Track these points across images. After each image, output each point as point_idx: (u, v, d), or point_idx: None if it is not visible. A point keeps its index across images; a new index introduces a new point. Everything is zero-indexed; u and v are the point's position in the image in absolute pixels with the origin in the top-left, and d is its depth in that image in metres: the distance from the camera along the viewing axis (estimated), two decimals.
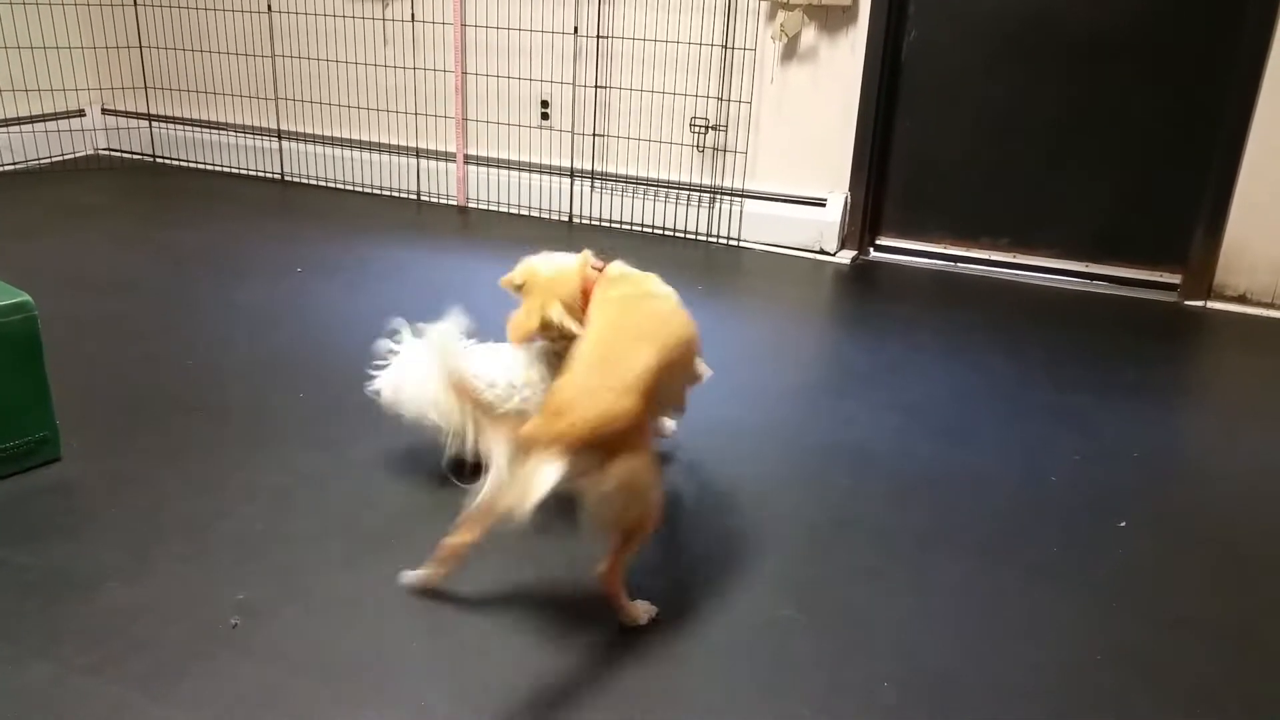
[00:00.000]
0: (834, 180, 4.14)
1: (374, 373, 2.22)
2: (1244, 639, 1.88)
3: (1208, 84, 3.66)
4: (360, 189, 4.89)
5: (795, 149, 4.15)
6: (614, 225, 4.46)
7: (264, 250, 3.93)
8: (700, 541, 2.11)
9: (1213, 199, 3.68)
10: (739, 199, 4.26)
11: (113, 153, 5.34)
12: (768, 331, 3.41)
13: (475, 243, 4.24)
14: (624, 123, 4.36)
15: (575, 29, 4.29)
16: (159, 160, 5.27)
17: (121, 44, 5.15)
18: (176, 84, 5.18)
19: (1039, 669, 1.77)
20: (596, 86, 4.35)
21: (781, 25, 3.96)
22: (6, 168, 4.89)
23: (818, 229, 4.17)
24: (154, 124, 5.26)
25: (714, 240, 4.32)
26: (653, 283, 2.09)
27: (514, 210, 4.64)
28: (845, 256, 4.16)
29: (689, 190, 4.33)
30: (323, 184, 4.95)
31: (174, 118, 5.24)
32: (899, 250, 4.23)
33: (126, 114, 5.29)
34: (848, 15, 3.92)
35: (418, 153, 4.76)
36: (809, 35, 3.99)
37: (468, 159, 4.69)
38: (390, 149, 4.82)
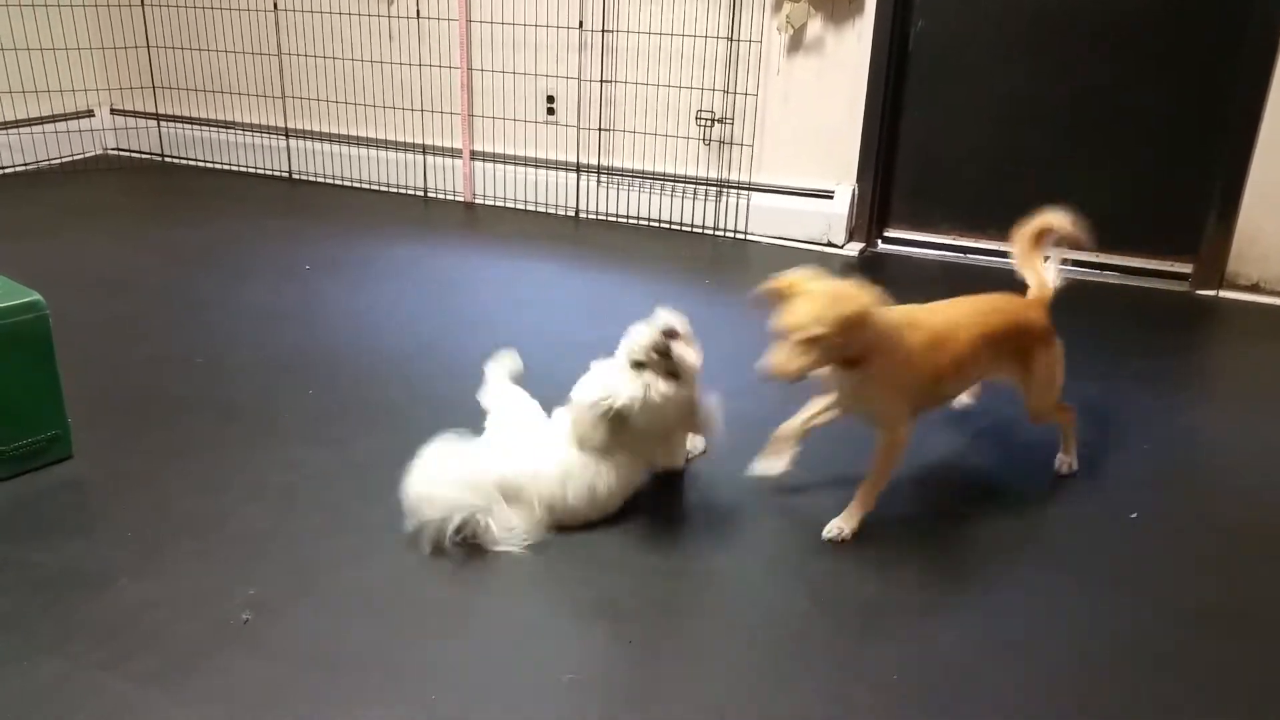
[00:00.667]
0: (841, 172, 4.12)
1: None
2: (1257, 629, 1.87)
3: (1218, 71, 3.63)
4: (367, 186, 4.90)
5: (802, 141, 4.14)
6: (620, 220, 4.46)
7: (272, 248, 3.94)
8: (713, 533, 2.11)
9: (1224, 187, 3.65)
10: (745, 192, 4.25)
11: (121, 152, 5.35)
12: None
13: (482, 239, 4.24)
14: (630, 117, 4.35)
15: (580, 23, 4.29)
16: (167, 160, 5.29)
17: (129, 44, 5.16)
18: (184, 83, 5.19)
19: (1051, 660, 1.76)
20: (602, 81, 4.34)
21: (787, 17, 3.95)
22: (17, 168, 4.92)
23: (825, 221, 4.16)
24: (162, 123, 5.28)
25: (721, 234, 4.32)
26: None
27: (520, 206, 4.64)
28: (853, 249, 4.15)
29: (695, 184, 4.32)
30: (330, 181, 4.96)
31: (182, 117, 5.26)
32: (907, 242, 4.22)
33: (135, 114, 5.30)
34: (854, 6, 3.90)
35: (424, 149, 4.76)
36: (815, 27, 3.98)
37: (474, 155, 4.69)
38: (397, 146, 4.82)
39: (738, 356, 3.07)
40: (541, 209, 4.60)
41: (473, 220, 4.50)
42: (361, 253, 3.89)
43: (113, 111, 5.32)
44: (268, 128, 5.06)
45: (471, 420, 2.54)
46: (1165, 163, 3.80)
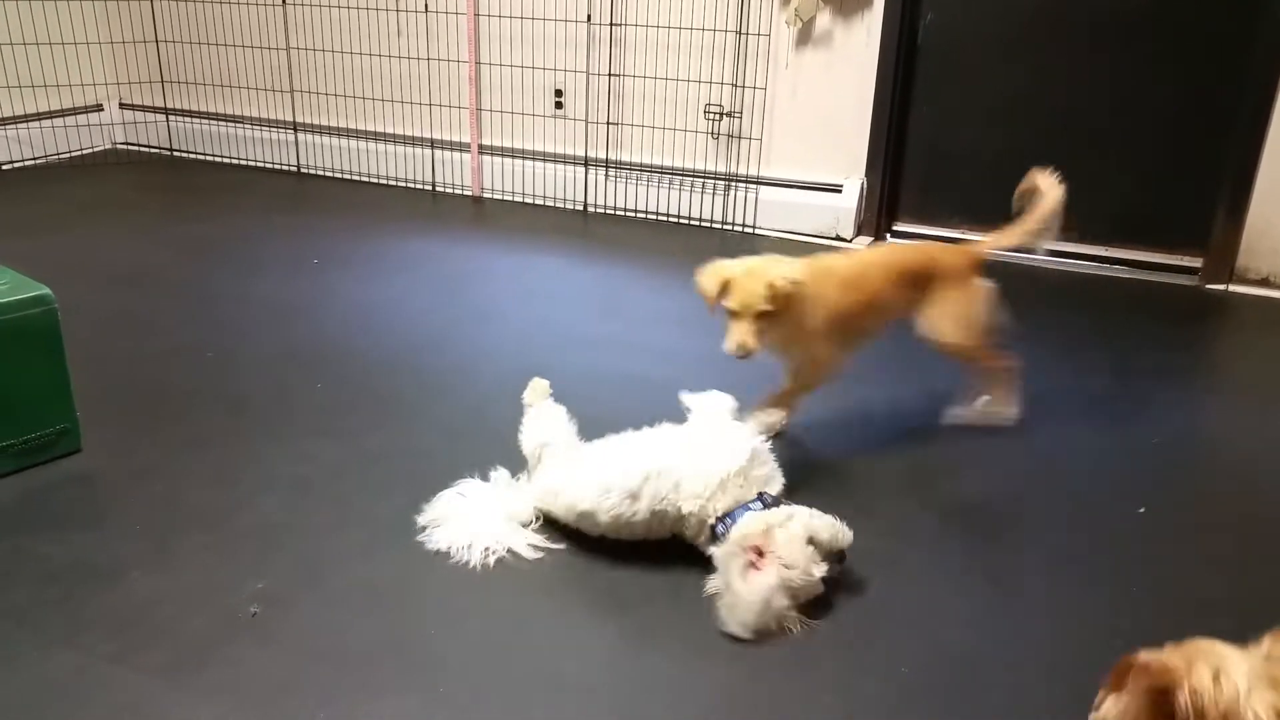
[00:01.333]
0: (850, 166, 4.11)
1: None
2: (1267, 624, 1.86)
3: (1228, 64, 3.61)
4: (375, 180, 4.90)
5: (810, 135, 4.13)
6: (629, 214, 4.46)
7: (280, 242, 3.94)
8: None
9: (1234, 181, 3.63)
10: (754, 186, 4.24)
11: (130, 147, 5.37)
12: None
13: (490, 233, 4.24)
14: (638, 110, 4.34)
15: (588, 17, 4.28)
16: (176, 154, 5.30)
17: (138, 39, 5.17)
18: (193, 78, 5.20)
19: (1058, 653, 1.76)
20: (610, 75, 4.33)
21: (796, 10, 3.93)
22: (26, 163, 4.93)
23: (834, 215, 4.15)
24: (171, 118, 5.29)
25: (729, 228, 4.31)
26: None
27: (529, 200, 4.64)
28: (862, 242, 4.14)
29: (704, 178, 4.32)
30: (338, 176, 4.97)
31: (191, 111, 5.27)
32: (916, 235, 4.20)
33: (143, 108, 5.31)
34: (862, 0, 3.90)
35: (432, 143, 4.77)
36: (824, 20, 3.97)
37: (482, 149, 4.68)
38: (405, 140, 4.82)
39: None
40: (550, 203, 4.60)
41: (481, 214, 4.50)
42: (370, 247, 3.89)
43: (121, 106, 5.33)
44: (276, 122, 5.06)
45: (475, 414, 2.55)
46: (1175, 156, 3.79)
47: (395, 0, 4.61)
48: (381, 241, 3.97)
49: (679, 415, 2.17)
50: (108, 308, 3.18)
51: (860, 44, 3.95)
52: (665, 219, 4.40)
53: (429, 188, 4.81)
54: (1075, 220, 3.93)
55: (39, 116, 4.97)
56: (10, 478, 2.19)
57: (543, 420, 2.17)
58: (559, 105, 4.49)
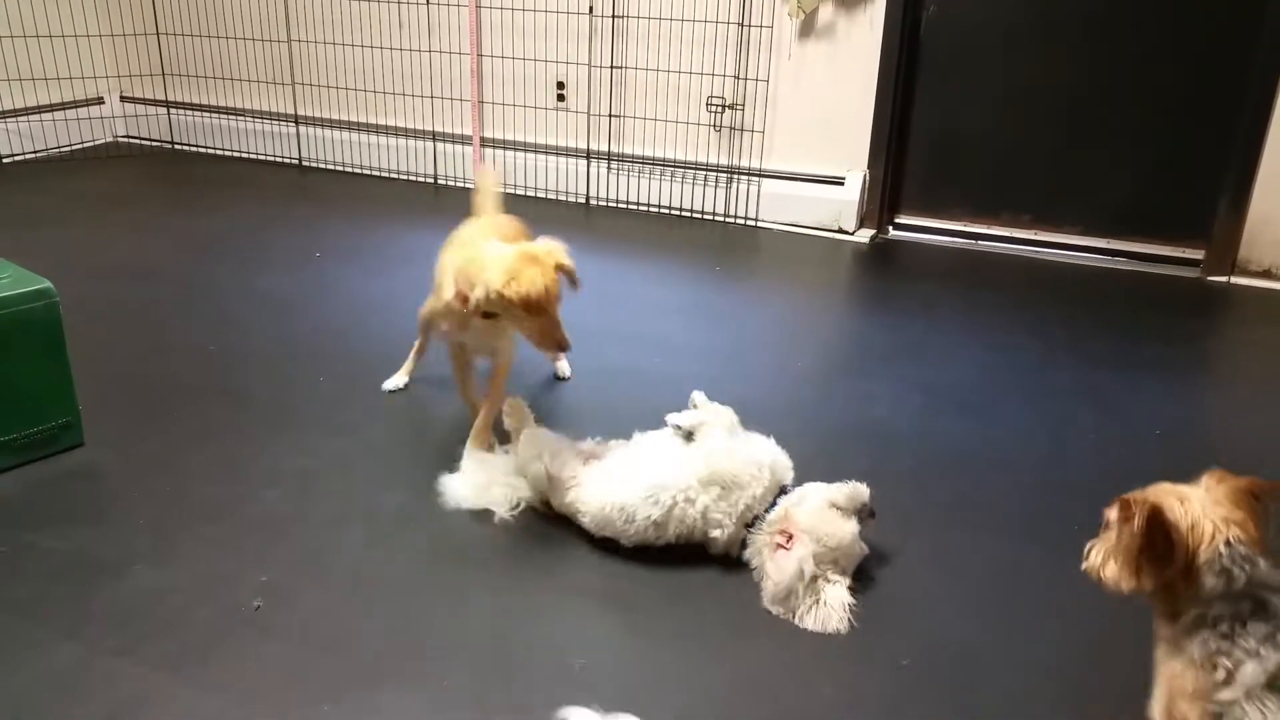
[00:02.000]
0: (852, 158, 4.11)
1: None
2: None
3: (1230, 56, 3.60)
4: (378, 173, 4.89)
5: (813, 127, 4.12)
6: (630, 207, 4.45)
7: (283, 236, 3.94)
8: None
9: (1237, 173, 3.63)
10: (756, 178, 4.24)
11: (131, 140, 5.36)
12: (786, 312, 3.40)
13: None
14: (640, 103, 4.34)
15: (590, 9, 4.27)
16: (177, 147, 5.29)
17: (139, 31, 5.16)
18: (194, 70, 5.19)
19: (1062, 646, 1.76)
20: (612, 67, 4.32)
21: (798, 2, 3.92)
22: (27, 156, 4.93)
23: (836, 208, 4.14)
24: (172, 110, 5.28)
25: (731, 220, 4.30)
26: None
27: (531, 193, 4.63)
28: (864, 235, 4.13)
29: (706, 170, 4.31)
30: (340, 169, 4.96)
31: (192, 104, 5.26)
32: (919, 228, 4.20)
33: (145, 101, 5.31)
34: None
35: (434, 136, 4.76)
36: (826, 11, 3.95)
37: (484, 142, 4.68)
38: (407, 132, 4.81)
39: (747, 341, 3.08)
40: (552, 196, 4.59)
41: None
42: (373, 240, 3.89)
43: (123, 99, 5.32)
44: (278, 115, 5.05)
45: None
46: (1177, 149, 3.78)
47: None
48: (384, 235, 3.97)
49: (681, 405, 2.16)
50: (110, 301, 3.18)
51: (863, 36, 3.93)
52: (667, 211, 4.39)
53: (431, 180, 4.81)
54: (1078, 212, 3.95)
55: (40, 109, 4.96)
56: (13, 472, 2.19)
57: (536, 442, 2.11)
58: (561, 98, 4.48)
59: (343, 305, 3.22)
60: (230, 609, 1.79)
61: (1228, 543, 1.27)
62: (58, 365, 2.24)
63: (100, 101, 5.24)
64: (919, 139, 4.12)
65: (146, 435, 2.38)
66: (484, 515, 2.09)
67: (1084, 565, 1.40)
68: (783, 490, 1.96)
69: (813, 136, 4.13)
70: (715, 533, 1.92)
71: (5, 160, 4.84)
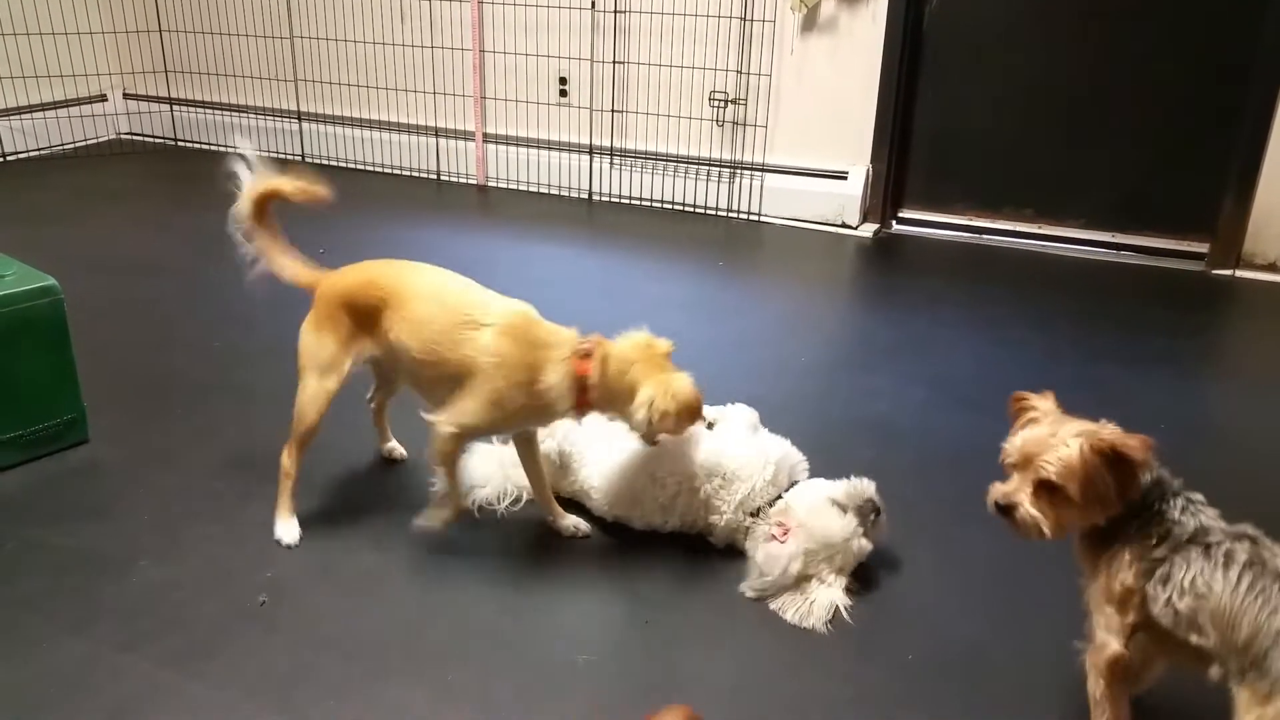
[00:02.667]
0: (855, 153, 4.10)
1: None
2: None
3: (1235, 50, 3.59)
4: (380, 169, 4.89)
5: (816, 121, 4.11)
6: (633, 202, 4.45)
7: (285, 232, 3.93)
8: None
9: (1241, 166, 3.62)
10: (759, 173, 4.23)
11: (134, 137, 5.36)
12: (790, 306, 3.39)
13: (495, 221, 4.24)
14: (643, 98, 4.33)
15: (593, 3, 4.26)
16: (180, 144, 5.29)
17: (141, 28, 5.16)
18: (196, 67, 5.19)
19: (1066, 641, 1.76)
20: (614, 62, 4.32)
21: None
22: (30, 153, 4.93)
23: (839, 202, 4.14)
24: (174, 108, 5.29)
25: (734, 215, 4.30)
26: None
27: (533, 188, 4.63)
28: (867, 230, 4.13)
29: (709, 165, 4.30)
30: (343, 165, 4.96)
31: (194, 101, 5.26)
32: (922, 223, 4.19)
33: (147, 98, 5.31)
34: None
35: (436, 132, 4.76)
36: (829, 6, 3.95)
37: (486, 137, 4.68)
38: (409, 129, 4.81)
39: (750, 337, 3.08)
40: (554, 191, 4.59)
41: (486, 203, 4.50)
42: (376, 235, 3.89)
43: (125, 96, 5.32)
44: (280, 111, 5.06)
45: None
46: (1182, 142, 3.77)
47: None
48: (387, 231, 3.97)
49: None
50: (114, 298, 3.18)
51: (865, 30, 3.93)
52: (670, 207, 4.39)
53: (433, 176, 4.81)
54: (1082, 206, 3.94)
55: (43, 107, 4.96)
56: (19, 468, 2.20)
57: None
58: (563, 93, 4.47)
59: None
60: (235, 604, 1.79)
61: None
62: (62, 362, 2.25)
63: (103, 99, 5.25)
64: (922, 133, 4.12)
65: (151, 431, 2.39)
66: (487, 510, 2.09)
67: (1018, 514, 1.55)
68: (792, 485, 1.98)
69: (815, 131, 4.12)
70: (714, 518, 1.95)
71: (9, 157, 4.85)
